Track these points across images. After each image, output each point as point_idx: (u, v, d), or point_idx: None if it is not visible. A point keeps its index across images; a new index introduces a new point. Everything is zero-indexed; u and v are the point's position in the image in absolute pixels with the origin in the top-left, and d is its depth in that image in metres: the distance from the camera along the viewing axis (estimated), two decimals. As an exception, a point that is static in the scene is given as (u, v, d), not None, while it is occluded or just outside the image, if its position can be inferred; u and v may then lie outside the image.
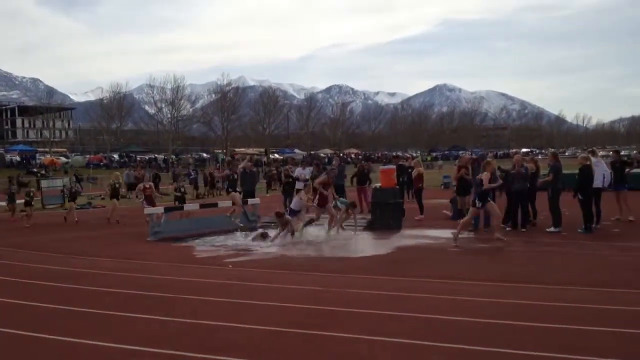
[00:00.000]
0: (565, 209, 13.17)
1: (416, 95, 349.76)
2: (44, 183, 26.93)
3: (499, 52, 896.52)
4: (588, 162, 11.96)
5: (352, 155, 75.39)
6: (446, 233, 12.02)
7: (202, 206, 15.59)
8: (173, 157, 66.38)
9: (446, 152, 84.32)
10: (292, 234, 12.12)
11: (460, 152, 69.58)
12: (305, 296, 7.05)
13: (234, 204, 15.03)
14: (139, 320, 6.14)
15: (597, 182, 12.09)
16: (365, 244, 11.42)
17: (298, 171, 18.82)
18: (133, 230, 14.41)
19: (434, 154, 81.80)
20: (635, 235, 11.11)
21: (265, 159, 65.25)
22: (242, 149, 72.97)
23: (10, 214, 18.24)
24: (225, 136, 74.20)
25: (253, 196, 15.98)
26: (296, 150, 78.61)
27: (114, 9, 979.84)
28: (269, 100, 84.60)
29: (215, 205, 15.58)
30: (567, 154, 76.12)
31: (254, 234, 12.68)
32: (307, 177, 18.13)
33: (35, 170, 47.37)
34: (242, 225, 13.86)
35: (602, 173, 12.29)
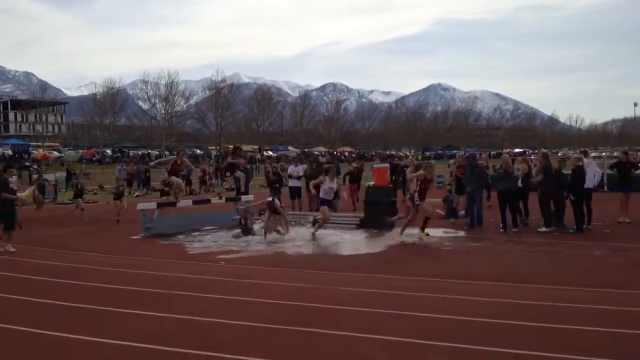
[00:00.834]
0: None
1: (411, 94, 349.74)
2: (35, 177, 26.84)
3: (493, 52, 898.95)
4: (580, 163, 12.06)
5: (346, 154, 75.40)
6: (439, 232, 12.09)
7: (194, 202, 15.57)
8: (166, 153, 66.19)
9: (440, 151, 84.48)
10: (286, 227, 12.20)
11: (454, 151, 69.84)
12: (299, 293, 7.07)
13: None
14: (135, 316, 6.15)
15: (589, 183, 12.18)
16: (358, 242, 11.46)
17: (291, 169, 18.82)
18: (127, 227, 14.38)
19: (427, 153, 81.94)
20: (625, 236, 11.20)
21: (259, 156, 65.18)
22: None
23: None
24: (219, 133, 74.04)
25: (247, 193, 15.99)
26: (290, 148, 78.59)
27: (110, 5, 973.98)
28: (263, 97, 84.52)
29: (209, 201, 15.57)
30: (559, 154, 76.50)
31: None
32: (300, 174, 18.15)
33: (27, 164, 47.09)
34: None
35: (593, 173, 12.37)
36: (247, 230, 12.38)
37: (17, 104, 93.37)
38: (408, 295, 6.89)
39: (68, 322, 5.94)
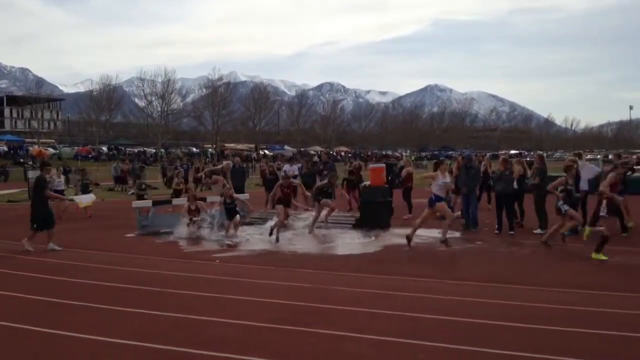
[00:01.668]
0: (551, 211, 13.33)
1: (407, 95, 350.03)
2: (30, 174, 26.72)
3: (490, 53, 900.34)
4: (575, 166, 12.08)
5: (342, 153, 75.46)
6: (434, 232, 12.11)
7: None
8: (162, 150, 66.08)
9: (435, 152, 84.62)
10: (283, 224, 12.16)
11: (450, 152, 69.95)
12: (293, 293, 7.08)
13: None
14: (129, 314, 6.15)
15: (583, 185, 12.21)
16: (353, 242, 11.47)
17: (286, 168, 18.83)
18: (122, 224, 14.35)
19: (424, 154, 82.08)
20: (620, 239, 11.24)
21: (255, 154, 65.15)
22: (232, 145, 72.88)
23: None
24: (215, 131, 74.01)
25: (242, 191, 16.02)
26: (286, 147, 78.60)
27: (108, 2, 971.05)
28: (260, 96, 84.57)
29: (204, 200, 15.54)
30: (555, 156, 76.71)
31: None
32: (296, 173, 18.17)
33: (22, 160, 46.94)
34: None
35: (587, 177, 12.40)
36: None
37: (12, 100, 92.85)
38: (402, 295, 6.91)
39: (62, 319, 5.94)
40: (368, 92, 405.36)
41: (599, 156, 40.90)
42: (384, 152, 73.60)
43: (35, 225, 10.61)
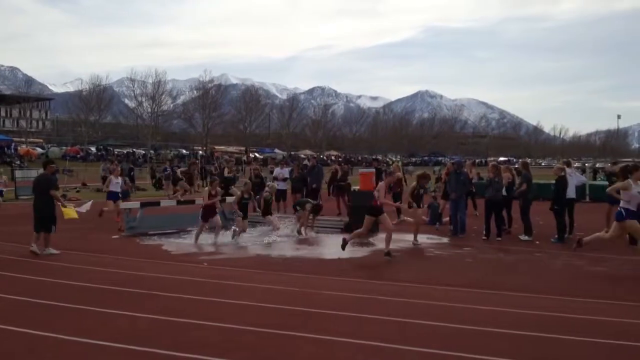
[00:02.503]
0: (539, 219, 13.39)
1: (398, 100, 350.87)
2: (18, 173, 26.46)
3: (481, 61, 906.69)
4: (563, 173, 12.16)
5: (332, 157, 75.47)
6: (422, 238, 12.11)
7: (179, 203, 15.47)
8: (152, 152, 65.71)
9: (425, 157, 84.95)
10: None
11: (440, 158, 70.28)
12: (280, 297, 7.03)
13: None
14: (111, 315, 6.07)
15: (570, 193, 12.28)
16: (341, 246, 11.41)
17: (277, 171, 18.80)
18: (109, 226, 14.21)
19: (414, 159, 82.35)
20: (606, 246, 11.30)
21: (245, 157, 64.96)
22: (223, 147, 72.64)
23: None
24: (205, 133, 73.73)
25: (231, 194, 15.99)
26: (276, 150, 78.51)
27: (99, 1, 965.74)
28: (251, 99, 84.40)
29: (193, 202, 15.46)
30: (542, 164, 77.26)
31: (234, 231, 12.48)
32: (286, 176, 18.15)
33: (9, 160, 46.45)
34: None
35: (574, 184, 12.48)
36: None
37: (1, 99, 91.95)
38: (390, 300, 6.88)
39: (44, 320, 5.86)
40: (359, 97, 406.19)
41: (587, 164, 41.26)
42: (373, 157, 73.76)
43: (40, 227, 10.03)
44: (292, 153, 74.38)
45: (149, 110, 71.13)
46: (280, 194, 17.35)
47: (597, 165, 49.98)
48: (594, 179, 31.75)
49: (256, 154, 72.38)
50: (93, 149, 65.02)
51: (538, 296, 7.22)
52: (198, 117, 75.60)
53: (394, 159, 75.36)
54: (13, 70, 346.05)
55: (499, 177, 12.43)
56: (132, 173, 29.45)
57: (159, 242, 11.90)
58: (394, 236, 11.53)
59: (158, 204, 15.09)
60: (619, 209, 9.04)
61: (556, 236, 11.88)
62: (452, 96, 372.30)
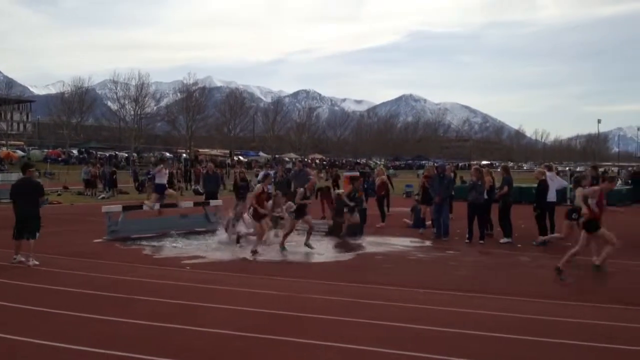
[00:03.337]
0: (521, 222, 13.53)
1: (382, 104, 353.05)
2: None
3: (464, 65, 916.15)
4: (544, 177, 12.31)
5: (317, 161, 75.47)
6: (406, 241, 12.18)
7: (162, 206, 15.33)
8: (135, 155, 65.13)
9: (409, 161, 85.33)
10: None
11: (423, 161, 70.60)
12: (265, 301, 7.01)
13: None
14: (91, 320, 6.00)
15: (551, 197, 12.43)
16: (326, 250, 11.44)
17: (262, 174, 18.74)
18: (91, 229, 14.08)
19: (397, 163, 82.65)
20: (587, 250, 11.44)
21: (229, 160, 64.73)
22: (207, 150, 72.28)
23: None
24: (189, 136, 73.27)
25: (216, 198, 15.92)
26: (261, 153, 78.33)
27: (82, 3, 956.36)
28: (236, 102, 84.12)
29: (175, 205, 15.35)
30: (525, 167, 77.98)
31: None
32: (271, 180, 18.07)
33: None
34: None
35: (555, 188, 12.63)
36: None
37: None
38: (374, 303, 6.90)
39: (24, 324, 5.77)
40: (344, 100, 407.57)
41: (567, 168, 41.74)
42: (357, 161, 73.94)
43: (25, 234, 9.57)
44: (277, 156, 74.24)
45: (132, 112, 70.46)
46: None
47: (579, 168, 50.55)
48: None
49: (240, 157, 72.14)
50: (75, 151, 64.24)
51: (520, 299, 7.29)
52: (182, 120, 75.03)
53: (377, 162, 75.65)
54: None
55: (481, 180, 12.53)
56: (114, 176, 29.21)
57: (141, 246, 11.79)
58: (376, 239, 11.61)
59: (140, 207, 14.91)
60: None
61: (538, 239, 12.00)
62: (436, 100, 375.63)
